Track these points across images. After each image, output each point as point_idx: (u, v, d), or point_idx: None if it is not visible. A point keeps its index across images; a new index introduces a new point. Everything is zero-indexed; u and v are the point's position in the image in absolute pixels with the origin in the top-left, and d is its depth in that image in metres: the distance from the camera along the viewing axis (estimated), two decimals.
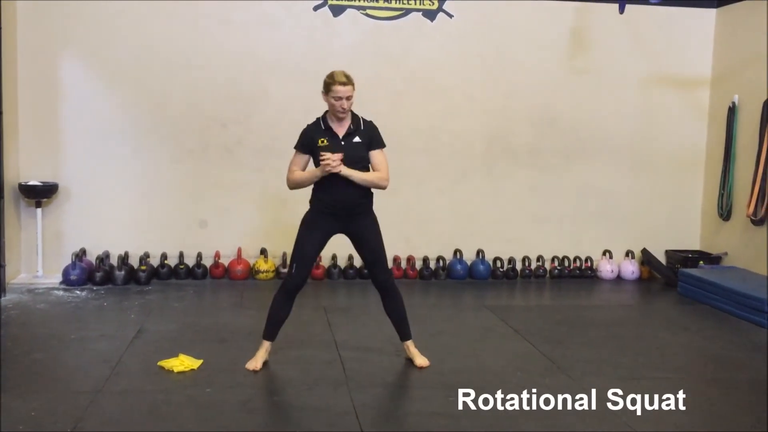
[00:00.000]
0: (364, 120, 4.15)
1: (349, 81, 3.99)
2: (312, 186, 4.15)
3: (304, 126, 4.21)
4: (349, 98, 4.00)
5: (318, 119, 4.17)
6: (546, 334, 5.08)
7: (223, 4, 6.51)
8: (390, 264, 5.70)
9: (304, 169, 4.16)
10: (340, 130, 4.09)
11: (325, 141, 4.06)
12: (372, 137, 4.11)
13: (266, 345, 4.22)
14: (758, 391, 4.06)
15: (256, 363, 4.17)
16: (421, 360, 4.23)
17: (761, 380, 4.22)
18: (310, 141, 4.10)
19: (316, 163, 4.09)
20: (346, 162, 3.98)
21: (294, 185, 4.18)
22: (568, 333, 5.15)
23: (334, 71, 4.03)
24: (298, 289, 4.16)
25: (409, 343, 4.29)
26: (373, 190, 4.15)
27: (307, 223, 4.19)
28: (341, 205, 4.06)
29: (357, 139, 4.08)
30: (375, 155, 4.10)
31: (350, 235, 4.20)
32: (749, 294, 5.56)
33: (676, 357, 4.72)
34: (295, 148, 4.18)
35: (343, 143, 4.05)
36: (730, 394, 4.03)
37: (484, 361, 4.37)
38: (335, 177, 3.99)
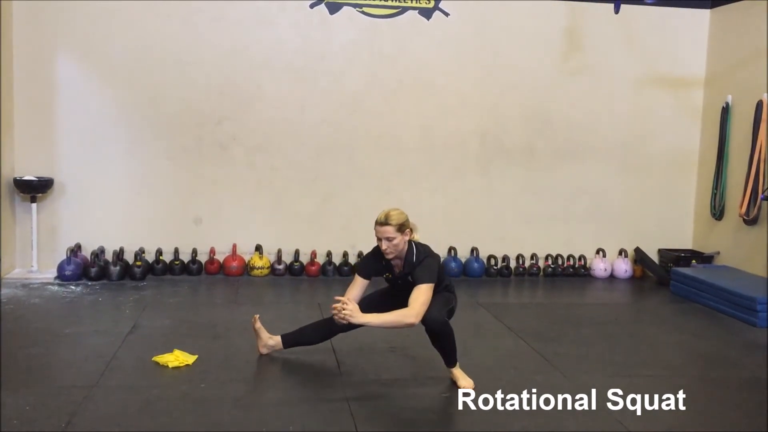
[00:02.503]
0: (418, 255, 3.89)
1: (387, 221, 3.79)
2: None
3: (368, 252, 4.10)
4: (390, 239, 3.80)
5: (379, 249, 3.93)
6: (539, 331, 5.10)
7: (218, 2, 6.51)
8: None
9: (360, 295, 3.96)
10: (397, 266, 3.96)
11: (390, 275, 4.00)
12: (419, 273, 3.80)
13: (277, 342, 4.27)
14: (750, 389, 4.09)
15: (262, 341, 4.25)
16: (465, 381, 3.92)
17: (753, 378, 4.26)
18: (374, 272, 4.01)
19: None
20: (401, 294, 3.84)
21: None
22: (562, 331, 5.18)
23: (382, 212, 3.87)
24: (340, 330, 4.12)
25: (454, 369, 3.98)
26: None
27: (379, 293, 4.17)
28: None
29: (410, 278, 3.86)
30: (415, 290, 3.75)
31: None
32: (741, 293, 5.60)
33: (668, 355, 4.75)
34: (357, 273, 4.04)
35: (399, 282, 3.96)
36: (722, 393, 4.06)
37: (477, 358, 4.38)
38: (398, 296, 3.88)
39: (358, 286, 3.98)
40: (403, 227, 3.83)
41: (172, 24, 6.50)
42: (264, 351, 4.30)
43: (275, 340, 4.28)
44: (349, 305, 3.70)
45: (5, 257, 6.07)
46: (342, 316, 3.70)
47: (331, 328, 4.10)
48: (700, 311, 5.87)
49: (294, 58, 6.67)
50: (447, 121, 6.94)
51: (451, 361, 3.96)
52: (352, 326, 3.94)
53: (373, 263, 4.02)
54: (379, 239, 3.84)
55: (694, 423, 3.58)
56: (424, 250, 3.92)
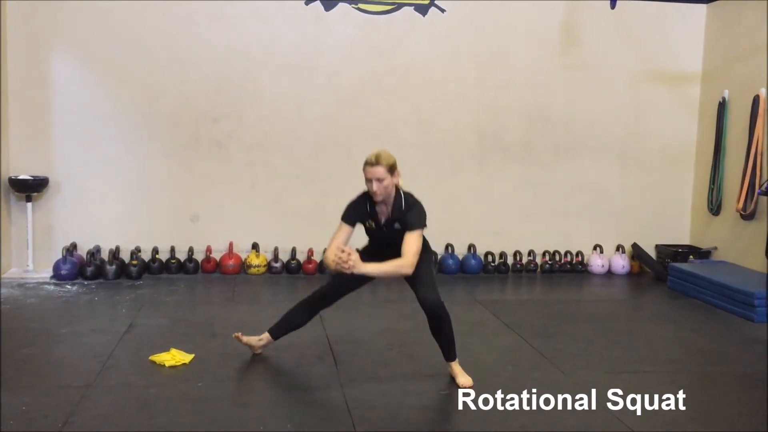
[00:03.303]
0: (407, 201, 3.87)
1: (378, 162, 3.72)
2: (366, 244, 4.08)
3: (352, 198, 3.97)
4: (380, 180, 3.72)
5: (365, 196, 3.90)
6: (537, 328, 5.10)
7: None
8: None
9: (347, 242, 3.86)
10: (383, 215, 3.89)
11: (372, 224, 3.91)
12: (410, 220, 3.81)
13: (267, 339, 4.25)
14: (748, 384, 4.09)
15: (252, 341, 4.23)
16: (464, 379, 3.90)
17: (751, 374, 4.25)
18: (357, 218, 3.92)
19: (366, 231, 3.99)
20: (386, 244, 3.84)
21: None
22: (559, 327, 5.17)
23: (371, 153, 3.79)
24: (322, 307, 4.13)
25: (453, 364, 3.98)
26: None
27: (365, 250, 4.08)
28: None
29: (397, 225, 3.84)
30: (406, 238, 3.76)
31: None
32: (739, 288, 5.60)
33: (665, 351, 4.75)
34: (342, 219, 3.92)
35: (385, 229, 3.88)
36: (720, 388, 4.05)
37: (475, 355, 4.37)
38: (380, 247, 3.89)
39: (344, 233, 3.88)
40: (393, 168, 3.78)
41: (168, 22, 6.48)
42: (259, 351, 4.28)
43: (264, 338, 4.25)
44: (352, 255, 3.64)
45: (1, 257, 6.05)
46: (346, 267, 3.62)
47: (313, 307, 4.11)
48: (697, 307, 5.87)
49: (290, 55, 6.65)
50: (444, 117, 6.93)
51: (451, 352, 3.94)
52: (333, 297, 4.02)
53: (358, 209, 3.91)
54: (369, 181, 3.75)
55: (693, 419, 3.57)
56: (411, 197, 3.90)
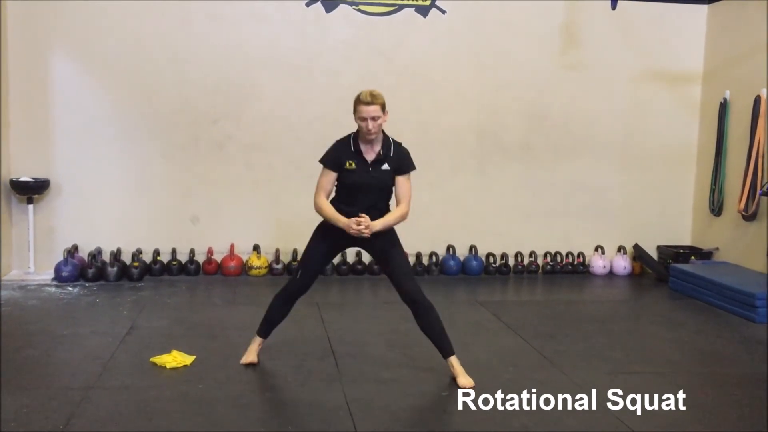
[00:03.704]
0: (395, 144, 3.96)
1: (375, 100, 3.77)
2: (333, 196, 4.00)
3: (334, 141, 3.99)
4: (375, 119, 3.77)
5: (350, 137, 3.94)
6: (538, 329, 5.10)
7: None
8: None
9: (330, 191, 3.95)
10: (370, 154, 3.89)
11: (353, 164, 3.88)
12: (401, 163, 3.92)
13: (258, 341, 4.22)
14: (750, 385, 4.08)
15: (250, 357, 4.18)
16: (464, 380, 3.88)
17: (753, 375, 4.25)
18: (339, 160, 3.90)
19: (341, 179, 3.95)
20: (372, 190, 3.88)
21: (319, 211, 3.94)
22: (560, 328, 5.17)
23: (362, 90, 3.83)
24: (300, 295, 4.09)
25: (453, 360, 3.94)
26: (391, 204, 4.01)
27: (320, 231, 4.05)
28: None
29: (385, 166, 3.89)
30: (400, 183, 3.92)
31: (368, 249, 4.09)
32: (740, 289, 5.59)
33: (667, 352, 4.74)
34: (323, 163, 3.94)
35: (371, 169, 3.88)
36: (721, 389, 4.04)
37: (476, 356, 4.37)
38: (358, 193, 3.89)
39: (330, 179, 3.93)
40: (384, 107, 3.85)
41: (167, 22, 6.48)
42: (254, 358, 4.20)
43: (257, 341, 4.21)
44: (365, 220, 3.79)
45: (2, 259, 6.05)
46: (367, 232, 3.78)
47: (292, 297, 4.08)
48: (699, 307, 5.86)
49: (290, 56, 6.65)
50: (444, 117, 6.92)
51: (446, 346, 3.94)
52: (309, 284, 4.04)
53: (341, 150, 3.91)
54: (364, 119, 3.78)
55: (694, 419, 3.57)
56: (395, 139, 3.99)
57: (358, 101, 3.81)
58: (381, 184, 3.91)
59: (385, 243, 3.97)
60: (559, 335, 4.96)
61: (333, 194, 4.02)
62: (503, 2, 6.89)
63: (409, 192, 3.94)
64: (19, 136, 6.32)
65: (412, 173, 4.00)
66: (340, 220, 3.85)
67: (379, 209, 3.93)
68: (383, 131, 3.93)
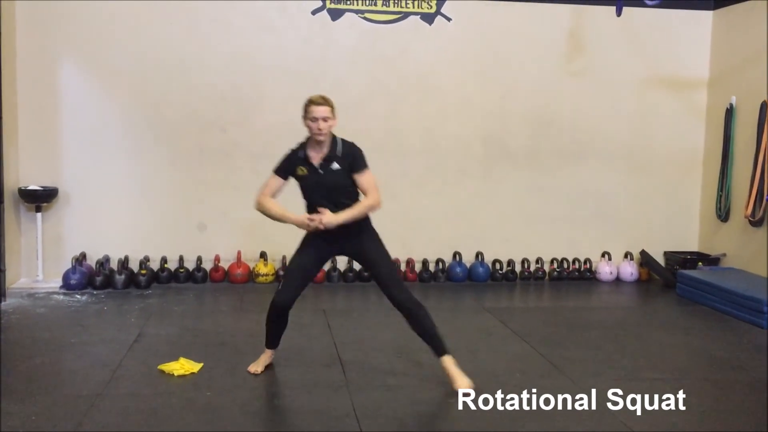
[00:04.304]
0: (343, 143, 4.00)
1: (325, 102, 3.91)
2: (306, 207, 4.06)
3: (289, 148, 4.10)
4: (326, 119, 3.88)
5: (299, 145, 4.06)
6: (545, 335, 5.09)
7: (221, 8, 6.53)
8: None
9: (275, 193, 4.06)
10: (317, 157, 3.96)
11: (304, 170, 3.96)
12: (352, 160, 3.95)
13: (269, 352, 4.23)
14: (758, 391, 4.07)
15: (257, 366, 4.19)
16: (461, 382, 3.86)
17: (760, 381, 4.23)
18: (289, 167, 4.02)
19: (300, 187, 4.04)
20: (327, 190, 3.93)
21: (262, 211, 4.05)
22: (568, 335, 5.16)
23: (312, 95, 3.99)
24: (286, 307, 4.02)
25: (447, 360, 3.93)
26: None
27: (303, 242, 4.12)
28: (332, 229, 3.90)
29: (336, 165, 3.93)
30: (360, 178, 3.95)
31: (353, 256, 4.16)
32: (748, 295, 5.57)
33: (675, 358, 4.73)
34: (274, 170, 4.07)
35: (321, 171, 3.94)
36: (729, 395, 4.04)
37: (483, 363, 4.37)
38: (316, 196, 3.95)
39: (273, 185, 4.04)
40: (334, 110, 3.95)
41: (174, 31, 6.52)
42: (261, 369, 4.20)
43: (269, 353, 4.22)
44: (319, 216, 3.84)
45: (11, 267, 6.08)
46: (321, 226, 3.83)
47: (288, 307, 4.03)
48: (706, 314, 5.84)
49: (296, 64, 6.67)
50: (450, 124, 6.93)
51: (440, 346, 3.96)
52: (301, 290, 4.04)
53: (291, 158, 4.03)
54: (315, 119, 3.87)
55: (698, 425, 3.56)
56: (344, 139, 4.03)
57: (310, 102, 3.93)
58: (335, 184, 3.95)
59: (367, 248, 4.01)
60: (566, 342, 4.95)
61: (305, 208, 4.07)
62: (508, 9, 6.91)
63: (373, 183, 3.97)
64: (27, 145, 6.36)
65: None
66: (290, 217, 3.96)
67: (346, 207, 3.94)
68: (332, 133, 4.00)
